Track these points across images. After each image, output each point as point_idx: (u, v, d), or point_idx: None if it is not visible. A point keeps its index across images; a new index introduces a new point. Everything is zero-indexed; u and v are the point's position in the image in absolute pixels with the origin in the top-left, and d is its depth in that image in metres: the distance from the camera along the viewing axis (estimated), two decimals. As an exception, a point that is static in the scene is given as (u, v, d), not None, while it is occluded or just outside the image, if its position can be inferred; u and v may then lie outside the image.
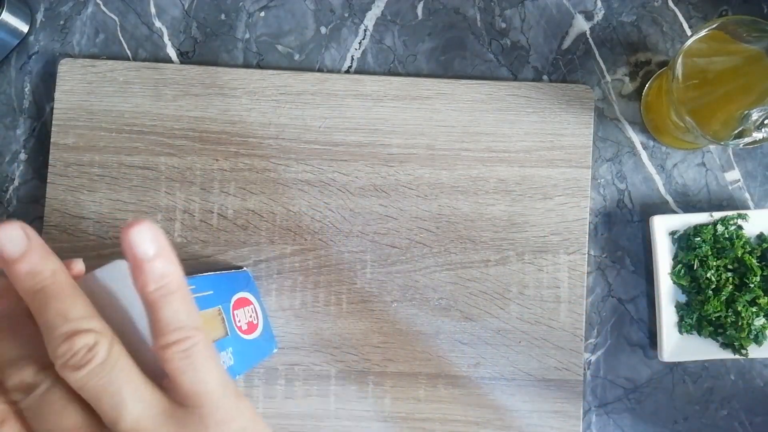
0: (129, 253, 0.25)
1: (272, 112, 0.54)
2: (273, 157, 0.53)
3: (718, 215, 0.52)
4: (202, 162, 0.53)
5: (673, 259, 0.53)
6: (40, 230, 0.53)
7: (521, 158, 0.54)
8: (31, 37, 0.55)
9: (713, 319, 0.51)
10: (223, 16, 0.56)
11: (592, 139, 0.54)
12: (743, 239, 0.52)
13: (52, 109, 0.54)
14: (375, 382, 0.53)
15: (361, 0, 0.56)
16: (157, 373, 0.26)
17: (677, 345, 0.52)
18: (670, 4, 0.56)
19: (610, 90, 0.56)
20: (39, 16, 0.55)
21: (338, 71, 0.56)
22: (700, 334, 0.53)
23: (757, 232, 0.53)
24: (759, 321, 0.51)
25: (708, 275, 0.51)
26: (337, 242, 0.53)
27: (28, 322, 0.25)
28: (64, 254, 0.52)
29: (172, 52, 0.56)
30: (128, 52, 0.56)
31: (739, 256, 0.51)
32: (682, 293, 0.53)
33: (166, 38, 0.56)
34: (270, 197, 0.53)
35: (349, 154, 0.54)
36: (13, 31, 0.54)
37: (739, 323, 0.51)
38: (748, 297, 0.51)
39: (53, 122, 0.53)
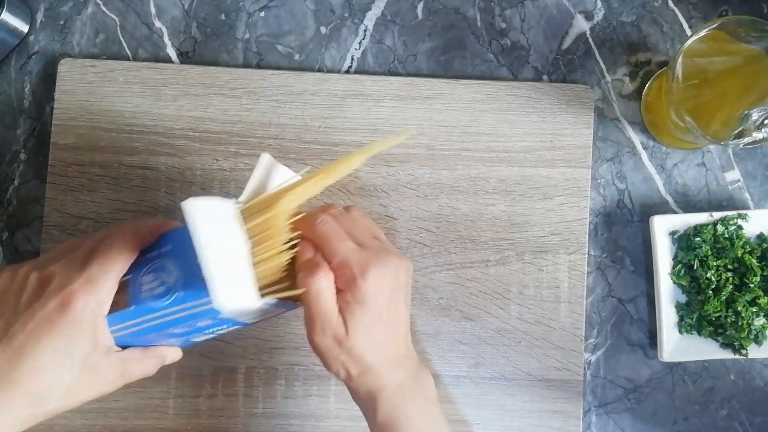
0: None
1: (272, 112, 0.54)
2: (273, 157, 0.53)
3: (718, 215, 0.52)
4: (202, 162, 0.53)
5: (673, 259, 0.53)
6: (39, 230, 0.53)
7: (521, 158, 0.54)
8: (31, 37, 0.55)
9: (713, 319, 0.51)
10: (223, 16, 0.56)
11: (592, 139, 0.54)
12: (743, 239, 0.52)
13: (52, 109, 0.54)
14: (375, 382, 0.53)
15: (361, 0, 0.56)
16: None
17: (677, 345, 0.52)
18: (670, 4, 0.56)
19: (610, 90, 0.56)
20: (39, 16, 0.55)
21: (338, 71, 0.56)
22: (700, 334, 0.53)
23: (757, 232, 0.53)
24: (759, 321, 0.51)
25: (708, 275, 0.51)
26: (337, 242, 0.53)
27: None
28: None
29: (172, 52, 0.56)
30: (128, 52, 0.55)
31: (739, 256, 0.51)
32: (682, 293, 0.53)
33: (166, 38, 0.56)
34: (270, 197, 0.53)
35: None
36: (13, 31, 0.54)
37: (739, 323, 0.51)
38: (748, 297, 0.51)
39: (53, 122, 0.53)
